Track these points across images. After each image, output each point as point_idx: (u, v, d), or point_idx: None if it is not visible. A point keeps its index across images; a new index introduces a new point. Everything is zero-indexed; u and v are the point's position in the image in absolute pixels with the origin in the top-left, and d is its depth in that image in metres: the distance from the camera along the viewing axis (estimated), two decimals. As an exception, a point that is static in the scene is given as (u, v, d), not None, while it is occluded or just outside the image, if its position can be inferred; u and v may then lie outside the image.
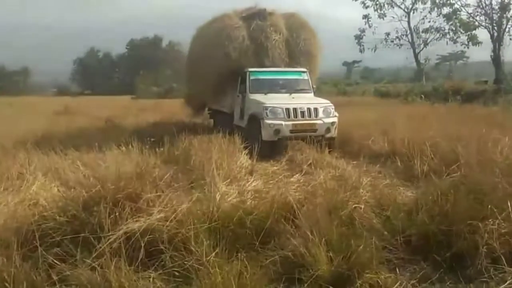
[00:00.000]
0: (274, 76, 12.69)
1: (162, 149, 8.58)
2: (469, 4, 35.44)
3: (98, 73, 74.69)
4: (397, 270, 4.36)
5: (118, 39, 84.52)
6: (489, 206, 4.59)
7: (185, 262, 4.14)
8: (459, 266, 4.34)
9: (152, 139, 7.99)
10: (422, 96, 24.25)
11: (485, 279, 4.10)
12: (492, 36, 32.92)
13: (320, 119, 10.92)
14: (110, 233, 4.41)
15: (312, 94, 12.57)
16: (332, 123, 10.97)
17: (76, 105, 27.76)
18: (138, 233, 4.43)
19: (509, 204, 4.51)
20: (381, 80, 47.61)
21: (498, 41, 32.39)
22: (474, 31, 36.14)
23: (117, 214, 4.71)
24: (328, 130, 10.88)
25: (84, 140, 8.98)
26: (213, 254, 4.16)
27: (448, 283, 4.19)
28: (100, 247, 4.23)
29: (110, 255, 4.05)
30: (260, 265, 4.22)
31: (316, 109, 11.03)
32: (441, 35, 39.11)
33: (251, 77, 12.29)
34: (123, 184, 5.21)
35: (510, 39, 33.14)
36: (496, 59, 32.39)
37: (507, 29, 32.80)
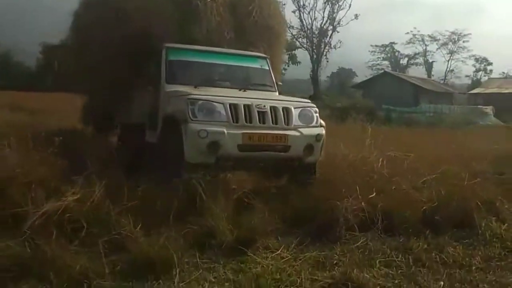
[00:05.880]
0: (211, 60, 7.91)
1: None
2: (293, 26, 39.72)
3: None
4: (279, 238, 5.54)
5: None
6: (343, 190, 6.11)
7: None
8: (325, 233, 5.66)
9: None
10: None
11: (344, 241, 5.52)
12: (311, 58, 37.61)
13: (295, 129, 6.61)
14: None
15: (276, 94, 7.94)
16: (317, 137, 6.72)
17: None
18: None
19: (357, 188, 6.08)
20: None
21: (317, 63, 37.14)
22: (294, 51, 40.75)
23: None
24: (309, 149, 6.68)
25: None
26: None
27: (317, 244, 5.47)
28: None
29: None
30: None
31: (287, 110, 6.60)
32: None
33: (170, 57, 7.46)
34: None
35: (327, 61, 38.30)
36: (315, 78, 37.11)
37: (324, 53, 37.75)
